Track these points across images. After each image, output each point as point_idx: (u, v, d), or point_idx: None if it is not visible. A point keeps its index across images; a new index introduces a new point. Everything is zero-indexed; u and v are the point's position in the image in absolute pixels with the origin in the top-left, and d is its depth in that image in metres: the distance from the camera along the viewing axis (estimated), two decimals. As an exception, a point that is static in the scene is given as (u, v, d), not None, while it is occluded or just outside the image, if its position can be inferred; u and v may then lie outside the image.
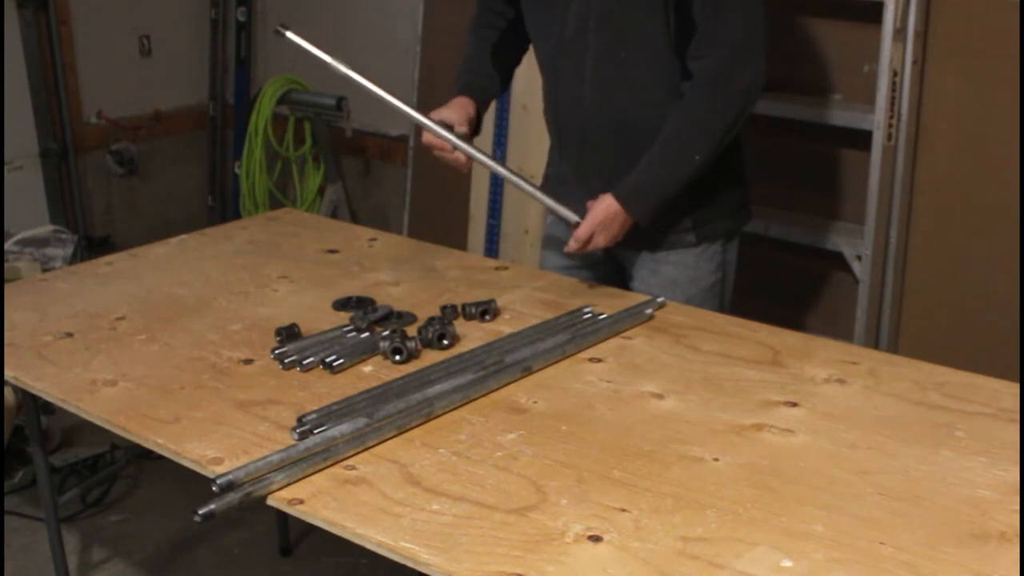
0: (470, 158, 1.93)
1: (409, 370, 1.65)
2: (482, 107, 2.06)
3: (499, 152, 3.31)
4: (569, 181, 2.08)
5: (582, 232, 1.88)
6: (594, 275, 2.10)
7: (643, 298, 1.92)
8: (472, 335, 1.78)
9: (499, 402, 1.55)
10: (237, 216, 4.26)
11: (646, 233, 1.98)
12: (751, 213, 2.12)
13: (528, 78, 2.77)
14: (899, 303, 2.81)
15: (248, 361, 1.71)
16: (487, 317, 1.85)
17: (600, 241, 1.89)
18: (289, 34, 1.90)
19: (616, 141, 1.96)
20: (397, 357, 1.68)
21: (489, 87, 2.10)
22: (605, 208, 1.87)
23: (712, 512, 1.25)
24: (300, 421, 1.47)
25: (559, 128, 2.06)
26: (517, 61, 2.18)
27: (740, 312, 1.96)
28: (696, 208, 2.00)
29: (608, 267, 2.13)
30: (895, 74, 2.58)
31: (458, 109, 1.99)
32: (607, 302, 1.90)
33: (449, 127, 1.93)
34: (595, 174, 2.01)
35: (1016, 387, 1.55)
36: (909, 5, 2.55)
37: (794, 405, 1.52)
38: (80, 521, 2.84)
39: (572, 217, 1.91)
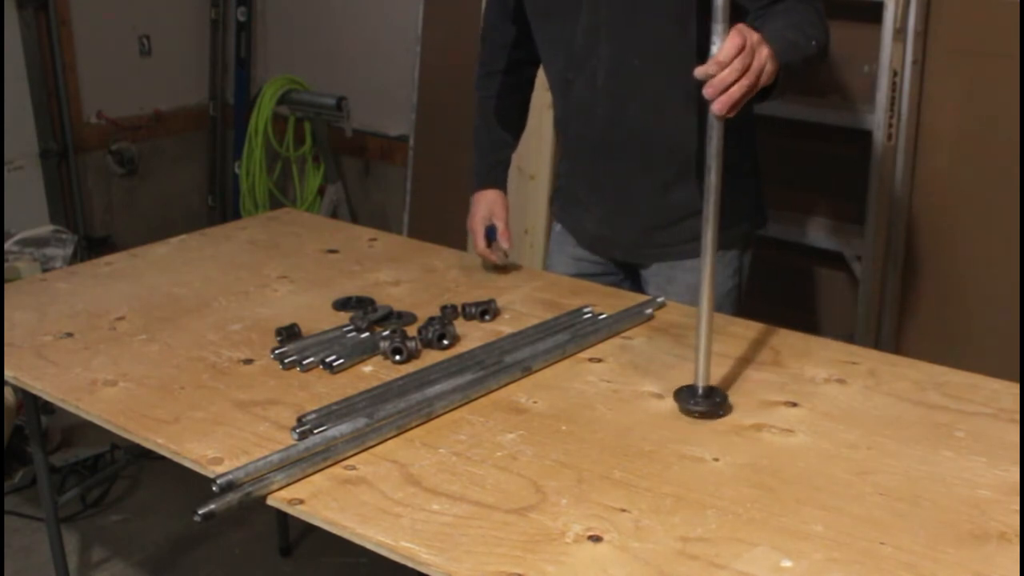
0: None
1: (409, 370, 1.65)
2: (505, 181, 2.17)
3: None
4: (581, 195, 2.06)
5: (733, 45, 1.39)
6: (606, 283, 2.07)
7: (643, 298, 1.92)
8: (472, 335, 1.78)
9: (499, 402, 1.55)
10: (237, 216, 4.26)
11: (662, 243, 1.98)
12: (767, 216, 2.08)
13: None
14: (899, 303, 2.81)
15: (248, 361, 1.71)
16: (487, 317, 1.85)
17: (754, 63, 1.42)
18: None
19: (631, 153, 1.92)
20: (397, 357, 1.68)
21: (504, 157, 2.16)
22: (752, 31, 1.46)
23: (712, 512, 1.25)
24: (300, 421, 1.47)
25: (571, 141, 2.04)
26: (523, 99, 2.18)
27: (740, 312, 1.96)
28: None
29: (619, 277, 2.11)
30: (895, 74, 2.58)
31: (490, 209, 2.11)
32: (607, 302, 1.90)
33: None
34: (609, 187, 1.98)
35: (1016, 387, 1.55)
36: (909, 5, 2.55)
37: (794, 405, 1.52)
38: (80, 521, 2.84)
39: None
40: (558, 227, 2.17)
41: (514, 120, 2.17)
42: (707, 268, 1.46)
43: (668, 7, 1.79)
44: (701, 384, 1.49)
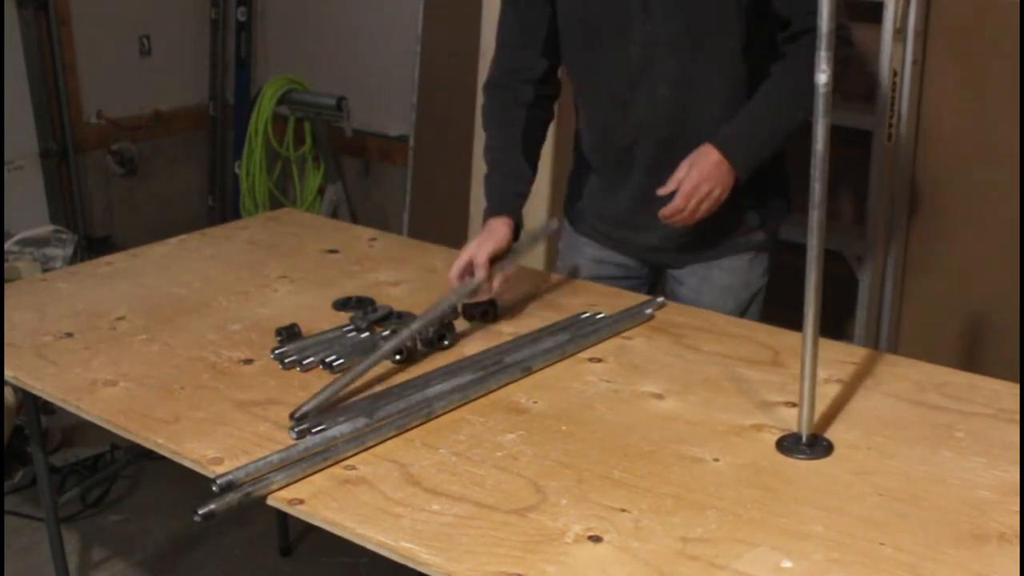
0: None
1: (409, 370, 1.65)
2: (520, 219, 1.92)
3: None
4: (619, 211, 1.99)
5: (689, 185, 1.72)
6: (625, 287, 2.03)
7: (643, 298, 1.92)
8: (472, 335, 1.78)
9: (499, 402, 1.55)
10: (237, 216, 4.26)
11: (709, 237, 1.95)
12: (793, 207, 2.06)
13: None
14: (899, 303, 2.81)
15: (248, 361, 1.71)
16: (487, 317, 1.85)
17: (705, 199, 1.74)
18: None
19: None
20: (397, 357, 1.68)
21: (525, 191, 1.95)
22: (706, 157, 1.74)
23: (712, 512, 1.25)
24: (294, 418, 1.47)
25: (620, 162, 1.95)
26: (543, 138, 2.03)
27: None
28: (763, 204, 1.94)
29: (639, 277, 2.09)
30: (895, 74, 2.58)
31: (494, 240, 1.84)
32: (607, 302, 1.90)
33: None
34: (658, 201, 1.86)
35: (1016, 387, 1.54)
36: (909, 5, 2.55)
37: (794, 405, 1.51)
38: (80, 521, 2.84)
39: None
40: (569, 228, 2.15)
41: (534, 157, 2.01)
42: (810, 325, 1.41)
43: (721, 20, 1.79)
44: (805, 432, 1.40)
